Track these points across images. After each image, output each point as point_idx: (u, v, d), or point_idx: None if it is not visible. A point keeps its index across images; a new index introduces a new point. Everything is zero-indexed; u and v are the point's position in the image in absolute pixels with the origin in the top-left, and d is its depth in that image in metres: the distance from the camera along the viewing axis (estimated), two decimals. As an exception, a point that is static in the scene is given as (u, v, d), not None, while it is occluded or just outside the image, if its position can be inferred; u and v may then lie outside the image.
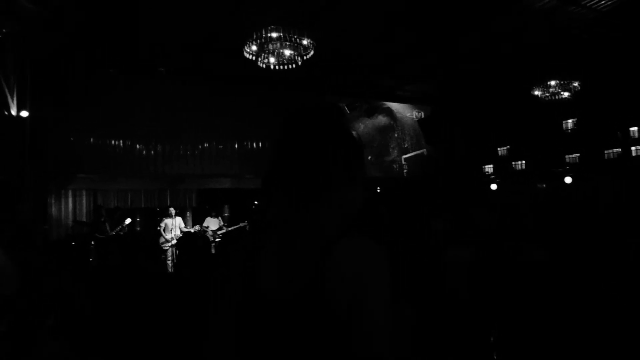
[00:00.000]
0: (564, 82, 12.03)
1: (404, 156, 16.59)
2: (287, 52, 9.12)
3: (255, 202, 15.87)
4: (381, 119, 16.41)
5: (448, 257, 4.45)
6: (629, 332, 3.92)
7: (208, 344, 1.58)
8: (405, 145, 16.79)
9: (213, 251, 12.26)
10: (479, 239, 4.73)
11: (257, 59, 9.29)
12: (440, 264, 4.25)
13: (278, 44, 8.98)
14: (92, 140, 12.01)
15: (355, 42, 11.02)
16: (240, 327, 1.48)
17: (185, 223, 12.92)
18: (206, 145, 13.45)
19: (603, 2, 9.73)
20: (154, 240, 12.15)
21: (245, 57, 9.16)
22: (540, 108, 13.33)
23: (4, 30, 8.73)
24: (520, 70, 12.79)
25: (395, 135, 16.70)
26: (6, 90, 9.21)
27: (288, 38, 8.82)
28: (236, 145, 13.84)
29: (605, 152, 14.36)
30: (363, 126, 15.88)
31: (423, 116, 17.01)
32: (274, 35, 8.75)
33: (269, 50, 9.12)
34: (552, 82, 12.10)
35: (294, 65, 9.35)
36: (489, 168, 17.43)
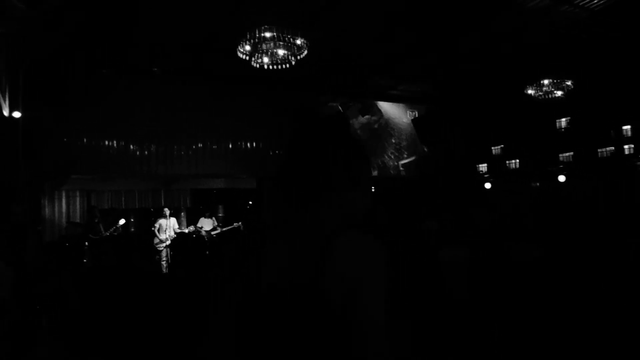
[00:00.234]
0: (557, 81, 12.08)
1: (401, 162, 16.63)
2: (281, 52, 9.11)
3: (250, 202, 15.87)
4: (375, 118, 16.43)
5: (445, 256, 4.46)
6: (629, 332, 3.93)
7: (208, 342, 1.59)
8: (401, 144, 16.81)
9: (207, 251, 12.23)
10: (477, 239, 4.73)
11: (250, 59, 9.28)
12: (438, 263, 4.25)
13: (272, 44, 8.98)
14: (85, 140, 11.96)
15: (354, 42, 11.02)
16: (241, 324, 1.49)
17: (179, 223, 12.89)
18: (200, 145, 13.42)
19: (595, 1, 9.77)
20: (148, 240, 12.11)
21: (239, 57, 9.15)
22: (534, 107, 13.38)
23: (-3, 31, 8.69)
24: (514, 69, 12.82)
25: (390, 134, 16.71)
26: (-2, 91, 9.17)
27: (282, 38, 8.82)
28: (230, 145, 13.81)
29: (599, 150, 14.43)
30: (358, 125, 15.90)
31: (417, 115, 17.03)
32: (268, 35, 8.75)
33: (262, 50, 9.11)
34: (546, 81, 12.14)
35: (287, 65, 9.34)
36: (483, 167, 17.49)
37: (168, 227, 12.07)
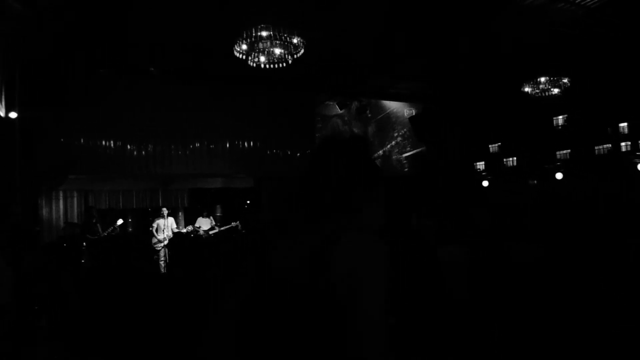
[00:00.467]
0: (554, 79, 12.09)
1: (404, 155, 16.66)
2: (277, 51, 9.11)
3: (248, 202, 15.87)
4: (373, 117, 16.46)
5: (444, 256, 4.46)
6: (629, 332, 3.94)
7: (207, 342, 1.60)
8: (405, 136, 16.83)
9: (205, 251, 12.22)
10: (477, 239, 4.74)
11: (247, 58, 9.27)
12: (438, 263, 4.26)
13: (268, 43, 8.97)
14: (83, 141, 11.94)
15: (353, 41, 11.00)
16: (241, 323, 1.51)
17: (177, 223, 12.88)
18: (198, 145, 13.41)
19: (591, -2, 9.79)
20: (146, 241, 12.10)
21: (236, 56, 9.14)
22: (531, 105, 13.41)
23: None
24: (511, 67, 12.83)
25: (392, 127, 16.75)
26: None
27: (278, 37, 8.82)
28: (228, 145, 13.81)
29: (596, 148, 14.48)
30: (357, 124, 15.92)
31: (414, 113, 17.05)
32: (264, 34, 8.74)
33: (259, 49, 9.11)
34: (542, 79, 12.15)
35: (284, 64, 9.34)
36: (480, 165, 17.52)
37: (166, 227, 12.06)
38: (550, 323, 4.12)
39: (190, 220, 13.33)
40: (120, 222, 11.61)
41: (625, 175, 13.24)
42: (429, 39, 11.08)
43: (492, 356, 4.14)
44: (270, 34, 8.73)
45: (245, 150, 14.01)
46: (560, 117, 15.28)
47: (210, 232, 12.56)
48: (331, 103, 15.46)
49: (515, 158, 16.55)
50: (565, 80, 12.14)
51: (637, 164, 13.23)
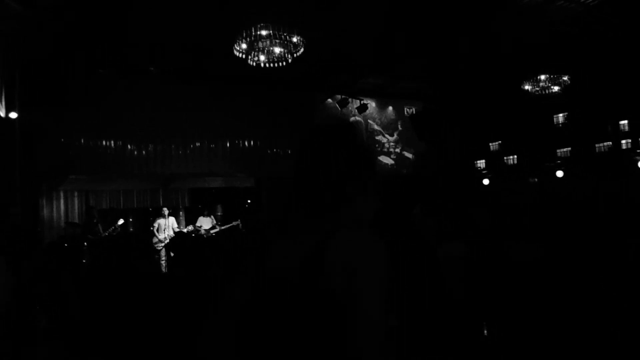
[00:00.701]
0: (554, 77, 12.08)
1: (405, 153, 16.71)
2: (277, 50, 9.10)
3: (248, 201, 15.87)
4: (375, 108, 16.47)
5: (442, 254, 4.46)
6: (629, 332, 3.94)
7: (207, 341, 1.60)
8: (397, 140, 16.83)
9: (206, 250, 12.21)
10: (477, 239, 4.73)
11: (247, 57, 9.27)
12: (438, 263, 4.26)
13: (268, 42, 8.97)
14: (83, 141, 11.95)
15: (353, 41, 11.00)
16: (241, 322, 1.51)
17: (178, 223, 12.88)
18: (198, 144, 13.42)
19: (590, -4, 9.79)
20: (147, 240, 12.10)
21: (236, 56, 9.14)
22: (531, 103, 13.39)
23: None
24: (511, 65, 12.82)
25: (389, 129, 16.74)
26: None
27: (278, 35, 8.81)
28: (228, 144, 13.81)
29: (596, 145, 14.46)
30: (358, 121, 15.92)
31: (414, 112, 17.03)
32: (264, 33, 8.73)
33: (258, 48, 9.10)
34: (542, 77, 12.14)
35: (283, 63, 9.33)
36: (481, 163, 17.51)
37: (167, 227, 12.06)
38: (550, 322, 4.12)
39: (191, 220, 13.33)
40: (121, 222, 11.60)
41: (626, 173, 13.23)
42: (429, 39, 11.08)
43: (492, 356, 4.14)
44: (270, 33, 8.72)
45: (246, 150, 14.02)
46: (561, 115, 15.27)
47: (212, 232, 12.55)
48: (331, 102, 15.46)
49: (515, 156, 16.54)
50: (566, 78, 12.13)
51: (637, 161, 13.22)
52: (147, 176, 13.27)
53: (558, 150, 15.35)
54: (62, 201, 12.64)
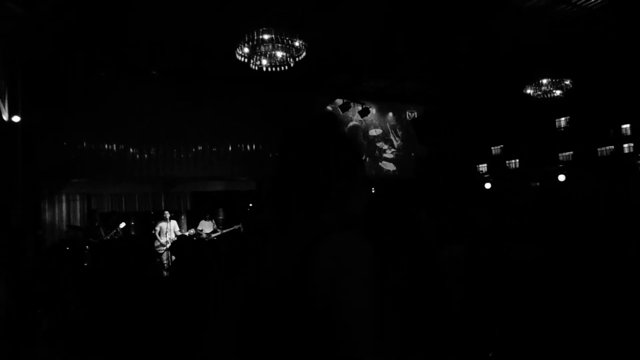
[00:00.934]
0: (556, 81, 12.07)
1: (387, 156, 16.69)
2: (279, 54, 9.11)
3: (250, 205, 15.87)
4: (375, 114, 16.48)
5: (443, 255, 4.46)
6: (629, 332, 3.92)
7: (207, 344, 1.59)
8: (399, 145, 16.84)
9: (208, 254, 12.20)
10: (477, 239, 4.72)
11: (249, 61, 9.28)
12: (438, 263, 4.25)
13: (270, 46, 8.97)
14: (85, 144, 11.98)
15: (353, 41, 11.02)
16: (241, 325, 1.50)
17: (180, 226, 12.89)
18: (200, 148, 13.44)
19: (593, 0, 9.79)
20: (148, 244, 12.11)
21: (236, 57, 9.15)
22: (533, 107, 13.39)
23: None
24: (513, 69, 12.83)
25: (390, 134, 16.75)
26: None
27: (280, 40, 8.81)
28: (230, 148, 13.83)
29: (598, 149, 14.45)
30: (357, 126, 15.94)
31: (416, 116, 17.04)
32: (266, 37, 8.74)
33: (261, 52, 9.11)
34: (544, 81, 12.13)
35: (285, 67, 9.34)
36: (483, 167, 17.51)
37: (168, 230, 12.07)
38: (550, 322, 4.11)
39: (192, 224, 13.34)
40: (122, 225, 11.63)
41: (627, 176, 13.21)
42: (429, 39, 11.09)
43: (492, 356, 4.13)
44: (272, 37, 8.73)
45: (248, 153, 14.04)
46: (563, 118, 15.27)
47: (213, 235, 12.57)
48: (333, 105, 15.48)
49: (517, 160, 16.53)
50: (568, 82, 12.12)
51: (639, 165, 13.21)
52: (149, 179, 13.28)
53: (560, 154, 15.34)
54: (64, 204, 12.67)
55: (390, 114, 16.81)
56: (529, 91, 12.40)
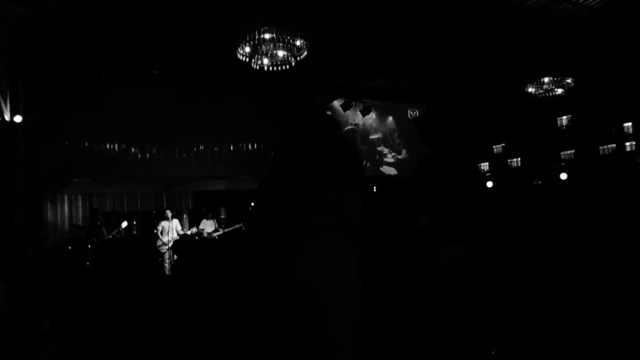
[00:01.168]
0: (557, 79, 12.05)
1: (389, 159, 16.67)
2: (281, 53, 9.10)
3: (252, 204, 15.90)
4: (375, 119, 16.45)
5: (443, 256, 4.46)
6: (629, 332, 3.92)
7: (208, 344, 1.60)
8: (400, 145, 16.82)
9: (209, 253, 12.23)
10: (477, 239, 4.73)
11: (250, 60, 9.28)
12: (438, 263, 4.26)
13: (271, 45, 8.97)
14: (87, 144, 11.98)
15: (353, 41, 11.01)
16: (241, 325, 1.51)
17: (181, 225, 12.91)
18: (201, 147, 13.44)
19: (594, -2, 9.78)
20: (150, 243, 12.13)
21: (236, 56, 9.15)
22: (535, 105, 13.36)
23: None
24: (514, 67, 12.80)
25: (392, 134, 16.74)
26: (-1, 95, 9.18)
27: (281, 39, 8.81)
28: (231, 147, 13.84)
29: (600, 148, 14.42)
30: (359, 125, 15.94)
31: (417, 115, 17.02)
32: (267, 36, 8.74)
33: (262, 51, 9.10)
34: (546, 79, 12.12)
35: (287, 67, 9.34)
36: (484, 166, 17.49)
37: (170, 229, 12.10)
38: (550, 322, 4.11)
39: (194, 223, 13.37)
40: (124, 224, 11.65)
41: (628, 175, 13.19)
42: (429, 39, 11.08)
43: (492, 356, 4.13)
44: (273, 37, 8.72)
45: (249, 152, 14.04)
46: (564, 117, 15.23)
47: (215, 234, 12.59)
48: (334, 105, 15.47)
49: (519, 159, 16.51)
50: (569, 80, 12.09)
51: (642, 164, 13.20)
52: (151, 179, 13.30)
53: (562, 153, 15.31)
54: (66, 204, 12.71)
55: (390, 118, 16.78)
56: (530, 90, 12.39)
